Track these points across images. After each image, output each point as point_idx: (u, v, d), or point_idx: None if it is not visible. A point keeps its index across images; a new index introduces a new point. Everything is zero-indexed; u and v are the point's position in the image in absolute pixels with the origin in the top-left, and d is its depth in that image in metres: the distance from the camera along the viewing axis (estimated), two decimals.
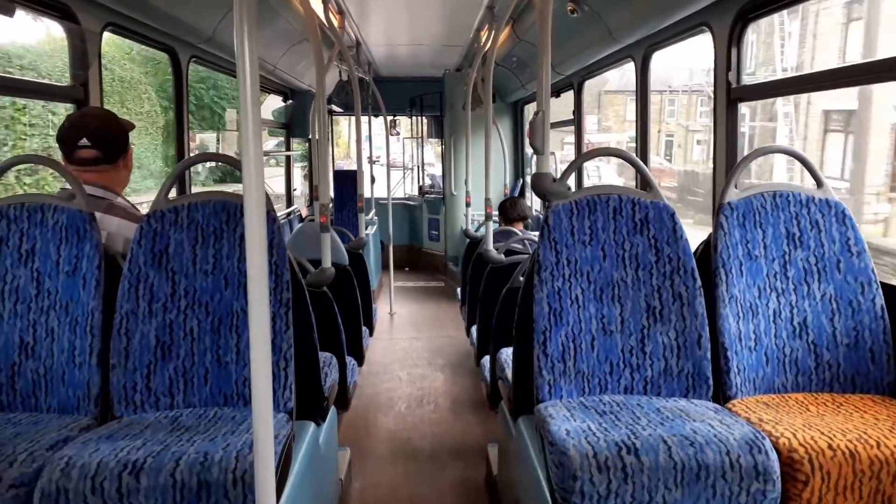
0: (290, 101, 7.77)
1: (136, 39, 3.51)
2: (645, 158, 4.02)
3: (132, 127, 2.61)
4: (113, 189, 2.51)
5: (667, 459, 1.82)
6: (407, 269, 9.77)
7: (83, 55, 2.89)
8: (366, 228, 6.03)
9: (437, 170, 10.82)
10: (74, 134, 2.42)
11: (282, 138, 8.24)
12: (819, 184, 2.42)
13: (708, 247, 2.38)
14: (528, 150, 8.00)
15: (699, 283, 2.28)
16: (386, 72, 8.62)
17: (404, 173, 10.63)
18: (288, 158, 7.97)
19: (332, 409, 2.84)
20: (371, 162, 7.85)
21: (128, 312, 2.18)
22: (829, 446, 1.83)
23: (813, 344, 2.32)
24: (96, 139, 2.43)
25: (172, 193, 2.34)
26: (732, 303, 2.29)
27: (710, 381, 2.25)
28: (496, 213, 5.21)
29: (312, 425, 2.48)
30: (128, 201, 2.57)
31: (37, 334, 2.19)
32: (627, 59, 4.14)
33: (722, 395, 2.26)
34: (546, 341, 2.25)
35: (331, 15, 4.34)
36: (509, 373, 2.70)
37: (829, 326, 2.32)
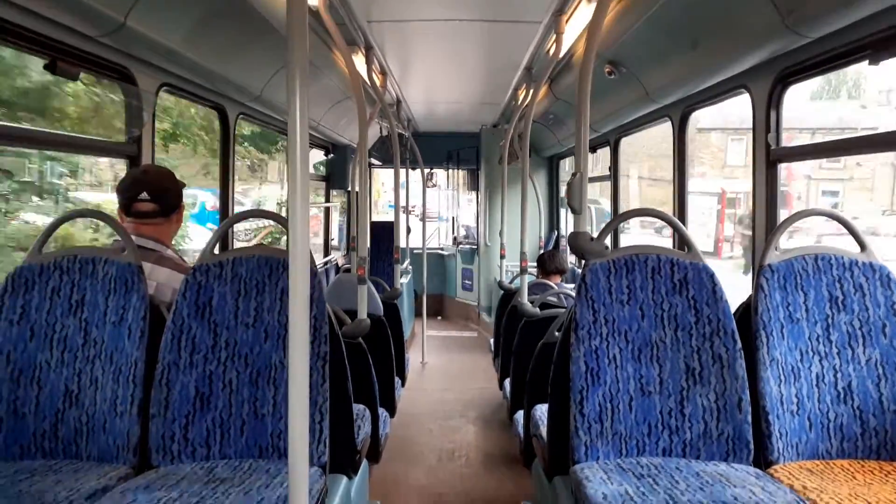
0: (332, 155, 7.98)
1: (187, 98, 3.66)
2: (683, 218, 4.01)
3: (184, 185, 2.75)
4: (164, 241, 2.63)
5: None
6: (440, 318, 9.78)
7: (138, 114, 3.04)
8: (400, 278, 6.08)
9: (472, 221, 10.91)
10: (135, 188, 2.57)
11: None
12: (862, 247, 2.40)
13: (748, 309, 2.36)
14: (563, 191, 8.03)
15: (739, 344, 2.25)
16: (424, 127, 8.82)
17: (442, 222, 10.75)
18: (327, 210, 8.13)
19: (364, 462, 2.84)
20: (407, 213, 7.97)
21: (170, 363, 2.24)
22: None
23: (858, 409, 2.26)
24: (155, 194, 2.58)
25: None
26: (773, 366, 2.25)
27: (751, 446, 2.20)
28: (531, 265, 5.22)
29: (344, 479, 2.47)
30: (177, 253, 2.67)
31: (81, 383, 2.25)
32: (665, 119, 4.18)
33: (763, 460, 2.21)
34: (583, 401, 2.23)
35: (374, 75, 4.49)
36: (544, 430, 2.67)
37: (875, 392, 2.27)
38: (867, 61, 2.38)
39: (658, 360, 2.28)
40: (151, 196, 2.57)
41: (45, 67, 2.50)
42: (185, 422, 2.23)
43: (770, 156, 2.99)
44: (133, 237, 2.46)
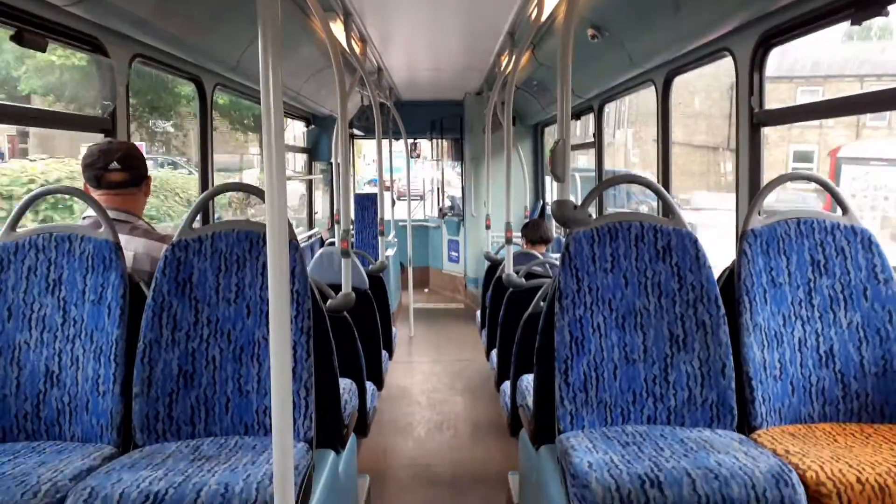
0: (313, 126, 7.87)
1: (162, 69, 3.57)
2: (667, 185, 4.00)
3: None
4: (135, 212, 2.62)
5: (691, 493, 1.79)
6: (427, 290, 9.79)
7: (111, 86, 2.96)
8: (385, 251, 6.06)
9: (457, 192, 10.86)
10: (105, 158, 2.53)
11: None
12: (844, 210, 2.39)
13: (732, 274, 2.36)
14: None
15: (723, 311, 2.25)
16: (407, 95, 8.71)
17: (423, 200, 10.69)
18: (310, 182, 8.05)
19: (352, 436, 2.84)
20: (388, 189, 7.91)
21: (151, 341, 2.21)
22: (858, 480, 1.79)
23: (840, 373, 2.28)
24: (126, 163, 2.55)
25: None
26: (757, 331, 2.26)
27: (735, 411, 2.22)
28: (517, 235, 5.20)
29: (332, 453, 2.47)
30: (148, 223, 2.66)
31: (62, 363, 2.22)
32: (648, 84, 4.14)
33: (747, 426, 2.23)
34: (568, 370, 2.23)
35: (353, 43, 4.40)
36: (530, 400, 2.68)
37: (857, 355, 2.28)
38: (849, 21, 2.35)
39: (642, 327, 2.28)
40: (122, 165, 2.54)
41: (12, 38, 2.42)
42: (169, 400, 2.21)
43: (753, 119, 2.97)
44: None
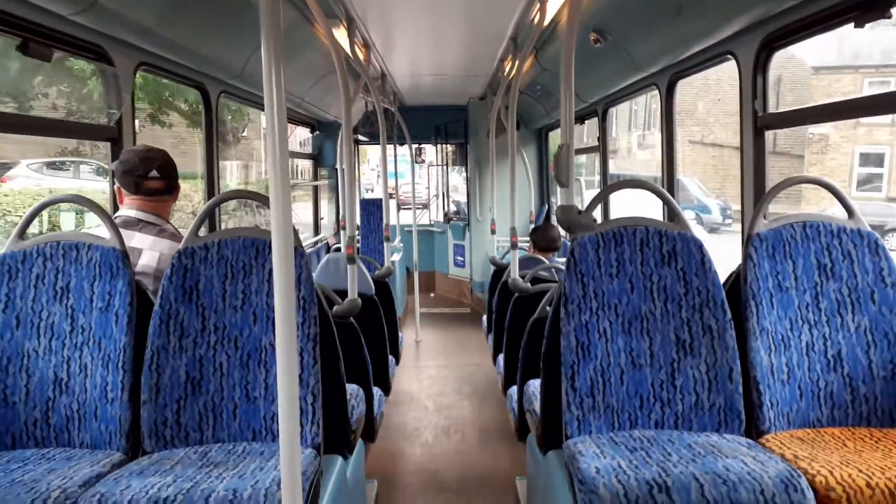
0: (317, 133, 7.89)
1: (167, 77, 3.59)
2: (671, 189, 3.99)
3: None
4: (164, 217, 2.72)
5: (699, 498, 1.78)
6: (433, 294, 9.79)
7: (117, 94, 2.98)
8: (391, 255, 6.07)
9: (462, 196, 10.87)
10: (146, 166, 2.64)
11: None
12: (850, 214, 2.39)
13: (738, 279, 2.35)
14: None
15: (729, 315, 2.25)
16: (411, 101, 8.73)
17: (428, 206, 10.70)
18: (315, 188, 8.07)
19: (360, 442, 2.84)
20: (392, 196, 7.91)
21: (159, 348, 2.22)
22: (868, 484, 1.78)
23: (848, 377, 2.27)
24: (164, 171, 2.68)
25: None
26: (763, 335, 2.26)
27: (743, 416, 2.21)
28: (523, 239, 5.20)
29: (340, 459, 2.48)
30: (174, 227, 2.74)
31: (70, 370, 2.23)
32: (652, 87, 4.14)
33: (755, 430, 2.22)
34: (574, 375, 2.23)
35: (356, 48, 4.42)
36: (537, 406, 2.68)
37: (865, 359, 2.28)
38: (853, 23, 2.34)
39: (648, 332, 2.27)
40: (160, 173, 2.66)
41: (18, 48, 2.44)
42: (177, 406, 2.22)
43: (757, 122, 2.96)
44: (134, 212, 2.60)
